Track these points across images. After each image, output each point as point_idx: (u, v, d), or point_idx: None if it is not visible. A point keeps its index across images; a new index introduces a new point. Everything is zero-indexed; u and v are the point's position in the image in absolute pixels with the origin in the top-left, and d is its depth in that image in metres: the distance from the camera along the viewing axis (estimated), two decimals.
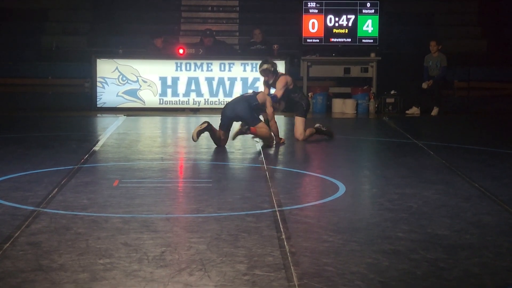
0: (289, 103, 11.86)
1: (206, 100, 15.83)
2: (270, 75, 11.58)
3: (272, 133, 11.13)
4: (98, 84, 15.75)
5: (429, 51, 16.42)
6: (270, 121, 11.18)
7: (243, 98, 11.23)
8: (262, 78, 12.08)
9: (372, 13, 16.52)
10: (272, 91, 11.69)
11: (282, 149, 11.05)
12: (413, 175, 8.88)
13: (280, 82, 11.55)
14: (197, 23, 19.37)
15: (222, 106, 11.05)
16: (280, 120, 12.30)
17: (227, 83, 15.91)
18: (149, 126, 13.76)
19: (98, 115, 15.18)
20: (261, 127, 10.92)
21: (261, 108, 11.18)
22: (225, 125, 11.00)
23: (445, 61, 16.23)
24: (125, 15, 19.25)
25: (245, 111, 10.96)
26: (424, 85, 16.17)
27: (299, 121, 11.66)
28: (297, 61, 16.95)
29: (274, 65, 11.64)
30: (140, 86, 15.83)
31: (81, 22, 19.08)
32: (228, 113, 11.02)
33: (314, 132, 11.76)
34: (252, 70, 15.85)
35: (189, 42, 17.39)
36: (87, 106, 15.88)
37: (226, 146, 10.87)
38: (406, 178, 8.64)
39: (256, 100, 11.10)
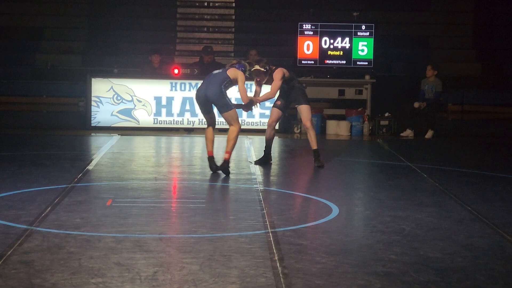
0: (288, 93, 11.29)
1: (201, 120, 15.80)
2: (263, 76, 11.07)
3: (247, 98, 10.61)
4: (92, 103, 15.75)
5: (423, 74, 16.47)
6: (243, 98, 10.56)
7: (214, 79, 10.41)
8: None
9: (367, 35, 16.57)
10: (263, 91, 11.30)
11: (276, 170, 11.04)
12: (406, 197, 8.89)
13: (278, 74, 11.03)
14: (193, 44, 19.42)
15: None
16: (274, 142, 12.23)
17: None
18: (143, 145, 13.75)
19: (92, 134, 15.17)
20: (230, 114, 10.38)
21: (233, 83, 10.46)
22: (205, 110, 10.55)
23: (440, 86, 16.26)
24: (121, 34, 19.28)
25: (216, 95, 10.29)
26: (416, 104, 16.18)
27: (305, 108, 11.28)
28: None
29: (265, 64, 11.02)
30: (135, 105, 15.84)
31: (76, 41, 19.11)
32: (201, 98, 10.41)
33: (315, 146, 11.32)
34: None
35: (184, 62, 17.40)
36: (81, 125, 15.88)
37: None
38: (399, 201, 8.64)
39: (227, 76, 10.39)
